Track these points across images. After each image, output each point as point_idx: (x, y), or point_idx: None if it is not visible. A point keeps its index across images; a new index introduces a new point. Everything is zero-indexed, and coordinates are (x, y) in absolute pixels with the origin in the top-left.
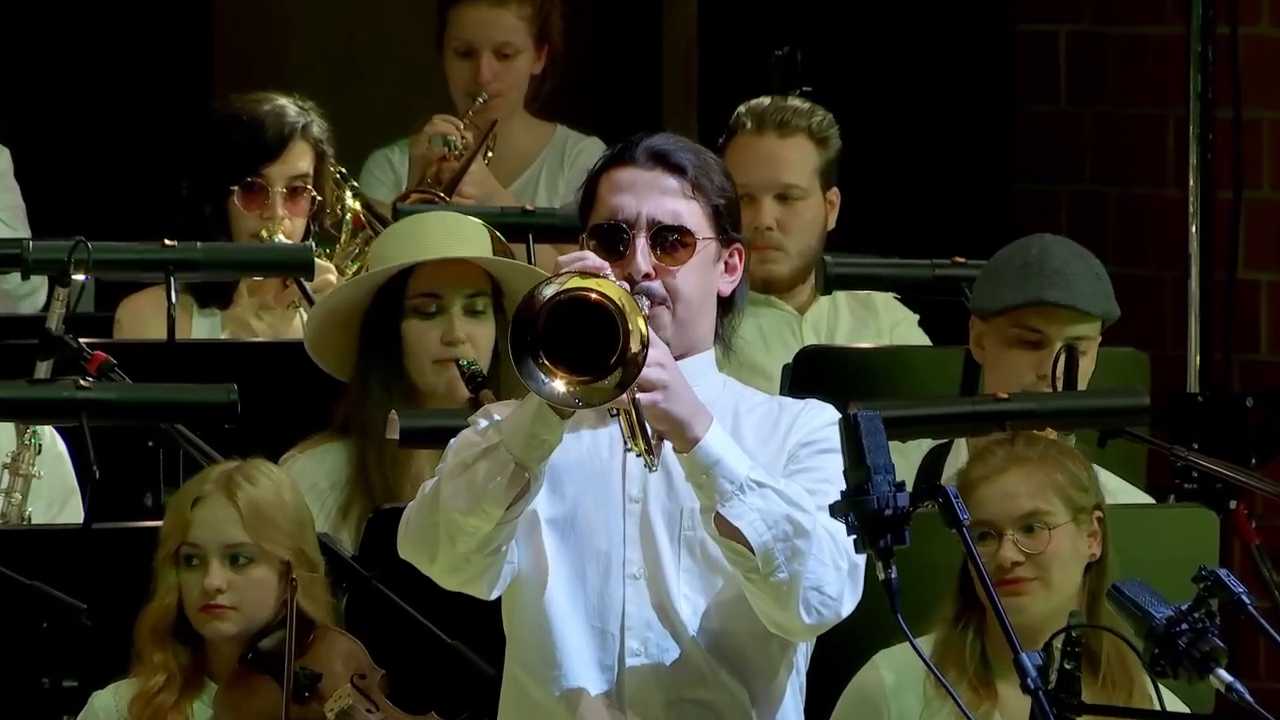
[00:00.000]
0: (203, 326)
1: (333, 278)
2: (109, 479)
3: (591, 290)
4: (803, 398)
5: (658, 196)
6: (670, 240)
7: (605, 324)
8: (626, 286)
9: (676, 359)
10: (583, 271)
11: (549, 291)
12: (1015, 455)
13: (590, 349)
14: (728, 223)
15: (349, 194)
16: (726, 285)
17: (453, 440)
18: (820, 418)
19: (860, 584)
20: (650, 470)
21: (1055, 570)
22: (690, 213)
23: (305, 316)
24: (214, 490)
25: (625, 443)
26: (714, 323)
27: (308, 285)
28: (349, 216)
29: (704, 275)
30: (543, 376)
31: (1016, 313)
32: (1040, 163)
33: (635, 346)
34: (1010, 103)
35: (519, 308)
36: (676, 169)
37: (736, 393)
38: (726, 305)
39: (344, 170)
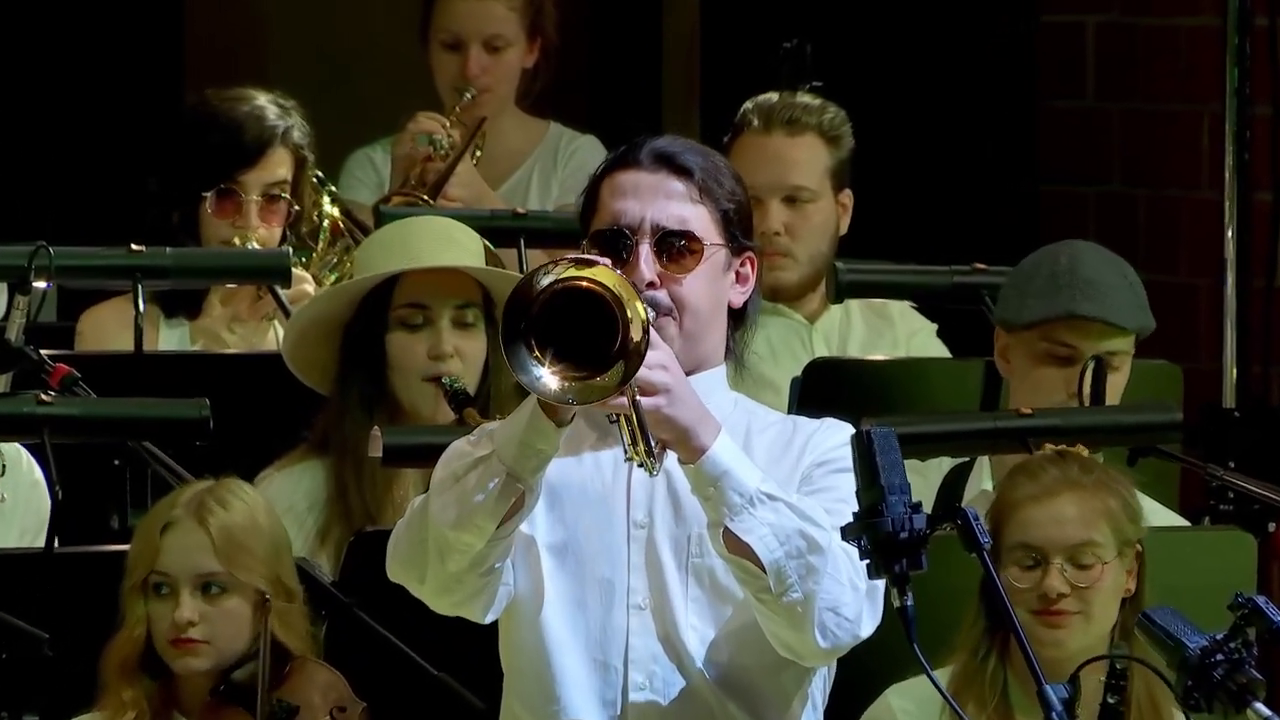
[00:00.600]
0: (170, 338)
1: (309, 288)
2: (72, 500)
3: (584, 279)
4: (813, 413)
5: (663, 200)
6: (676, 247)
7: (602, 316)
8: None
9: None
10: (578, 260)
11: (545, 280)
12: (1069, 479)
13: (587, 345)
14: (738, 229)
15: (327, 200)
16: (738, 296)
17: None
18: (835, 437)
19: (880, 605)
20: (651, 475)
21: (1097, 605)
22: (697, 218)
23: (280, 328)
24: (184, 515)
25: (625, 451)
26: (724, 336)
27: (283, 295)
28: (327, 224)
29: (713, 285)
30: (536, 370)
31: (1046, 327)
32: (1066, 163)
33: (636, 335)
34: (1034, 99)
35: (513, 293)
36: (683, 171)
37: (749, 411)
38: (738, 318)
39: (321, 174)
